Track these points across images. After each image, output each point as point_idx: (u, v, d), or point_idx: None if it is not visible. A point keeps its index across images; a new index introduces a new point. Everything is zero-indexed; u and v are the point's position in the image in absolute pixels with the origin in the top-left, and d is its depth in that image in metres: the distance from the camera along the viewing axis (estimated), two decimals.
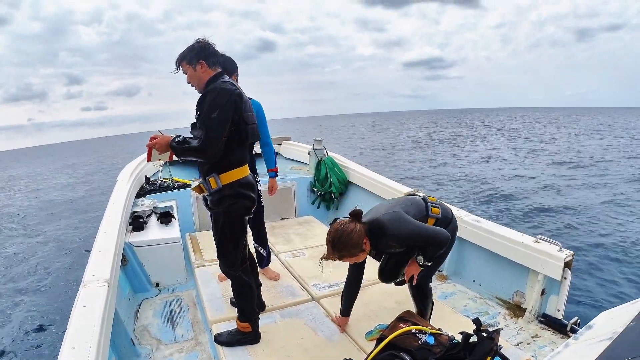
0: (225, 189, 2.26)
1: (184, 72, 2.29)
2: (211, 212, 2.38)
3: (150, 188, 4.78)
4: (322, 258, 2.25)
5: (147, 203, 4.21)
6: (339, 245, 2.15)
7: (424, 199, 2.46)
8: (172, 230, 3.57)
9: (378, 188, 4.68)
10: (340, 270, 2.62)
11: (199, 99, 2.22)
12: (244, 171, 2.34)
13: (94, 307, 2.03)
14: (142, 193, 4.65)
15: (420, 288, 2.52)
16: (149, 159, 2.29)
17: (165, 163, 6.45)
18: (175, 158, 2.25)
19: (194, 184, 4.97)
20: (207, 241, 4.14)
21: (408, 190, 4.28)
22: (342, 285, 2.71)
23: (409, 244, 2.29)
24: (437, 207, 2.43)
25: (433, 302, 2.64)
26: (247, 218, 2.44)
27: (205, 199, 2.42)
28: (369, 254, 2.40)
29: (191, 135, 2.23)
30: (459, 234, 3.10)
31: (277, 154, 4.95)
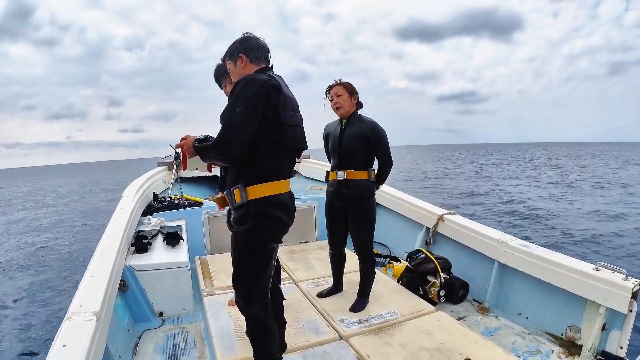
0: (251, 206, 1.86)
1: (227, 69, 2.05)
2: (231, 230, 1.98)
3: (158, 205, 4.39)
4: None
5: (153, 222, 3.82)
6: (346, 82, 2.86)
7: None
8: (180, 254, 3.15)
9: (407, 209, 4.26)
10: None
11: (231, 91, 1.87)
12: (279, 187, 1.91)
13: (77, 347, 1.61)
14: (148, 211, 4.27)
15: (368, 254, 2.98)
16: (184, 166, 1.99)
17: (176, 180, 6.12)
18: (214, 170, 2.02)
19: (208, 202, 4.60)
20: (218, 266, 3.72)
21: (442, 212, 3.85)
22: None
23: (375, 143, 2.85)
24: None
25: (375, 273, 3.07)
26: (275, 245, 2.02)
27: (229, 214, 2.03)
28: (341, 121, 2.92)
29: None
30: (502, 260, 3.15)
31: (295, 172, 4.57)
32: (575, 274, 2.64)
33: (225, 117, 1.79)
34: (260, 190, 1.85)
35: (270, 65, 2.04)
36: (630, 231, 9.43)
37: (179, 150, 1.92)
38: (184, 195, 4.77)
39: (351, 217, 2.94)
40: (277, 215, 1.89)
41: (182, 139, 1.88)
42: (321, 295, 3.16)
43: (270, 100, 1.80)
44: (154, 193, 4.73)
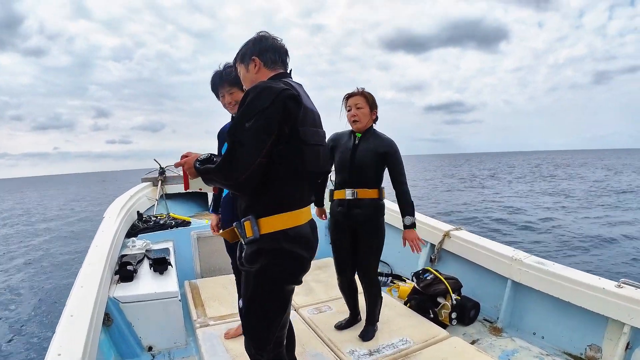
0: (265, 241, 1.55)
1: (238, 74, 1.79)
2: (242, 269, 1.69)
3: (143, 226, 4.10)
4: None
5: (138, 244, 3.54)
6: (368, 92, 2.63)
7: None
8: (168, 282, 2.87)
9: (417, 229, 3.98)
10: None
11: (240, 102, 1.58)
12: (297, 217, 1.60)
13: None
14: (133, 232, 3.98)
15: (372, 279, 2.75)
16: (185, 186, 1.72)
17: (162, 196, 5.82)
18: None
19: (197, 221, 4.34)
20: (210, 291, 3.45)
21: (448, 227, 3.65)
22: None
23: (394, 161, 2.62)
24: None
25: (382, 297, 2.82)
26: (293, 288, 1.73)
27: (239, 249, 1.73)
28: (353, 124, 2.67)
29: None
30: (516, 278, 2.99)
31: None
32: (596, 291, 2.51)
33: (232, 134, 1.49)
34: (275, 223, 1.55)
35: (288, 71, 1.75)
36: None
37: (179, 169, 1.66)
38: (171, 214, 4.49)
39: (360, 239, 2.68)
40: (296, 252, 1.59)
41: (183, 157, 1.61)
42: (340, 327, 2.85)
43: (287, 113, 1.49)
44: (138, 212, 4.44)
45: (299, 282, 1.67)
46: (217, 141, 2.64)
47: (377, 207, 2.66)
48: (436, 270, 3.25)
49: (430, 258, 3.71)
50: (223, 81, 2.37)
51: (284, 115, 1.49)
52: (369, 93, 2.62)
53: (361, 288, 2.78)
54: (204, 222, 4.35)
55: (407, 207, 2.66)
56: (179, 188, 6.16)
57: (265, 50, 1.67)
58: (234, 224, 1.66)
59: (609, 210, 14.15)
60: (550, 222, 12.02)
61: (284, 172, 1.54)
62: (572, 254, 8.37)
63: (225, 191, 2.54)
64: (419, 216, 4.03)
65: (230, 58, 1.87)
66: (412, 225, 2.67)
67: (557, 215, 13.28)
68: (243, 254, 1.63)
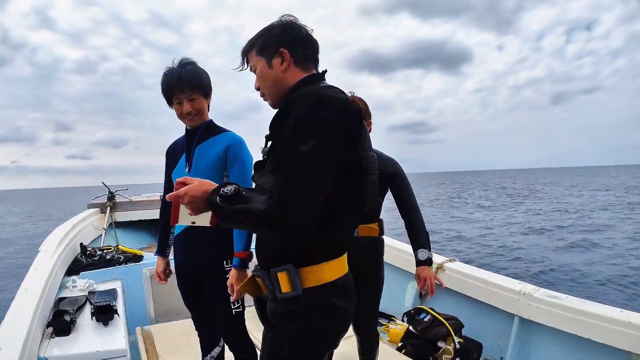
0: (309, 297, 1.16)
1: (252, 70, 1.30)
2: (268, 329, 1.27)
3: (87, 261, 3.48)
4: None
5: (79, 285, 2.96)
6: (359, 97, 2.04)
7: None
8: (115, 335, 2.30)
9: (396, 257, 3.63)
10: None
11: (276, 115, 1.20)
12: (345, 263, 1.24)
13: None
14: (74, 269, 3.37)
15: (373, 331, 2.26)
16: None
17: (110, 224, 5.19)
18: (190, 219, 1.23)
19: (150, 255, 3.74)
20: (166, 340, 2.87)
21: (441, 259, 3.29)
22: None
23: (400, 184, 2.14)
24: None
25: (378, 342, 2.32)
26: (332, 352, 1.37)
27: (260, 303, 1.30)
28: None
29: (251, 185, 1.27)
30: (525, 315, 2.70)
31: None
32: (619, 325, 2.28)
33: (280, 162, 1.09)
34: (324, 273, 1.16)
35: (323, 72, 1.31)
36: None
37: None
38: (120, 246, 3.89)
39: (361, 286, 2.16)
40: (345, 308, 1.20)
41: (180, 183, 1.16)
42: None
43: (353, 135, 1.11)
44: (81, 244, 3.82)
45: (336, 345, 1.26)
46: (164, 159, 2.17)
47: (378, 246, 2.19)
48: (431, 309, 2.86)
49: (420, 293, 3.32)
50: (182, 83, 1.87)
51: (349, 136, 1.09)
52: (360, 98, 2.08)
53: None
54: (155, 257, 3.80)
55: (421, 238, 2.16)
56: (130, 215, 5.56)
57: (298, 42, 1.23)
58: (257, 273, 1.24)
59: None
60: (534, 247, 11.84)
61: (342, 210, 1.15)
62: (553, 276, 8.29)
63: (181, 227, 2.02)
64: (402, 246, 3.65)
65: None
66: (429, 261, 2.15)
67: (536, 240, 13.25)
68: (271, 310, 1.23)
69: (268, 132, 1.23)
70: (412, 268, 3.28)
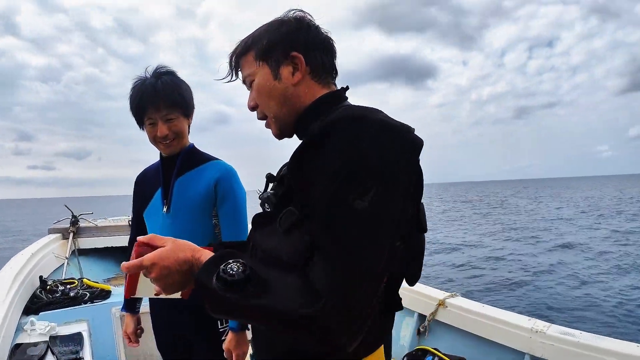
0: None
1: (245, 82, 0.95)
2: None
3: (47, 299, 3.09)
4: None
5: (39, 328, 2.58)
6: None
7: None
8: None
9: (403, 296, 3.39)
10: None
11: (301, 148, 0.77)
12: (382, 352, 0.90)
13: None
14: (33, 307, 2.98)
15: None
16: (127, 293, 0.97)
17: (73, 252, 4.77)
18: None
19: (119, 290, 3.37)
20: None
21: (443, 295, 3.10)
22: None
23: None
24: None
25: None
26: None
27: None
28: None
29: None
30: (537, 354, 2.45)
31: None
32: None
33: (321, 226, 0.71)
34: None
35: (344, 88, 0.96)
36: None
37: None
38: (84, 280, 3.49)
39: None
40: None
41: (142, 245, 0.82)
42: None
43: (419, 180, 0.79)
44: (40, 277, 3.40)
45: None
46: (132, 189, 1.80)
47: None
48: (435, 349, 2.65)
49: (418, 330, 3.10)
50: (157, 99, 1.51)
51: (415, 184, 0.78)
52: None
53: None
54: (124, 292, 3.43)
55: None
56: (96, 242, 5.13)
57: (315, 45, 0.90)
58: None
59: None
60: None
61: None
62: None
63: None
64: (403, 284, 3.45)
65: None
66: None
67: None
68: None
69: (275, 171, 0.94)
70: (416, 306, 3.11)
